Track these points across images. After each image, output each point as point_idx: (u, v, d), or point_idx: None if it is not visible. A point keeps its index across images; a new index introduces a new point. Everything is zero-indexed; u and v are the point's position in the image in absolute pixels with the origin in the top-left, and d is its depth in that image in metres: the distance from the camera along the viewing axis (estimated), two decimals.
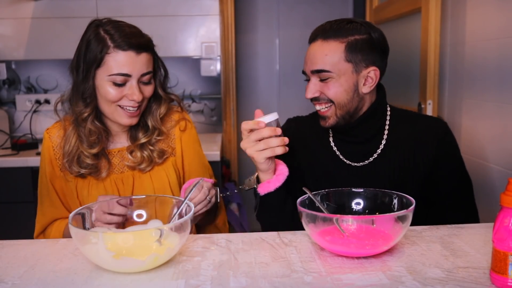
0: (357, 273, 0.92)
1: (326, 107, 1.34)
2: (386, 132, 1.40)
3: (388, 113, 1.42)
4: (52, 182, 1.39)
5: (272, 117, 1.18)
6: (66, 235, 1.36)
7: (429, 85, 2.34)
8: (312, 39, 1.34)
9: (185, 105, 3.07)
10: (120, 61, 1.27)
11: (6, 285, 0.90)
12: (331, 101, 1.32)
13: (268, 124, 1.18)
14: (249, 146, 1.19)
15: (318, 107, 1.36)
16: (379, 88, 1.40)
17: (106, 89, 1.29)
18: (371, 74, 1.33)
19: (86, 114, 1.33)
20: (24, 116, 2.99)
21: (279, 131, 1.18)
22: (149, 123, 1.40)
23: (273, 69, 4.04)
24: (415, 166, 1.37)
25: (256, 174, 1.30)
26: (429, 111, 2.35)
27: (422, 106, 2.37)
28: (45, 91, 3.01)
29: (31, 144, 2.72)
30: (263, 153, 1.18)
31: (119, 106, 1.31)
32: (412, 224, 1.05)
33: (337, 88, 1.31)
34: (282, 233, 1.15)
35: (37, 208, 1.43)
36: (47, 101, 3.00)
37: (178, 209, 1.06)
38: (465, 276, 0.90)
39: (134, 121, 1.35)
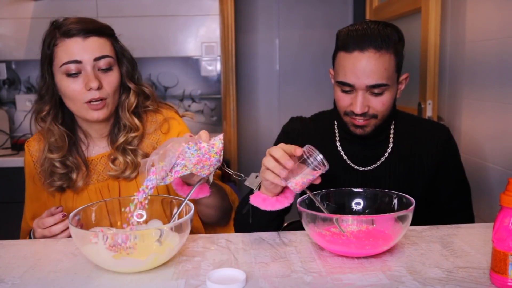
0: (357, 273, 0.92)
1: (367, 119, 1.30)
2: (391, 136, 1.40)
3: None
4: (34, 199, 1.36)
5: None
6: None
7: (429, 85, 2.34)
8: (357, 47, 1.24)
9: (185, 105, 3.09)
10: (68, 49, 1.24)
11: (6, 285, 0.90)
12: (374, 115, 1.29)
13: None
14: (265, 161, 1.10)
15: (361, 121, 1.29)
16: None
17: (63, 84, 1.25)
18: (404, 80, 1.34)
19: (44, 113, 1.29)
20: (24, 116, 2.98)
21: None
22: (125, 121, 1.32)
23: (273, 69, 4.04)
24: (419, 170, 1.38)
25: None
26: (429, 111, 2.35)
27: (422, 106, 2.36)
28: None
29: None
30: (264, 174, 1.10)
31: (85, 103, 1.25)
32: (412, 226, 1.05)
33: (389, 101, 1.29)
34: (282, 233, 1.15)
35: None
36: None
37: (178, 209, 1.06)
38: (465, 276, 0.90)
39: (101, 114, 1.27)
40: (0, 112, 2.85)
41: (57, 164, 1.30)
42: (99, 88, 1.24)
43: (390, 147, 1.39)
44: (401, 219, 0.99)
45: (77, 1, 2.95)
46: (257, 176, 1.16)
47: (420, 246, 1.05)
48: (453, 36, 2.25)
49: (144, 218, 1.12)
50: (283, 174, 1.04)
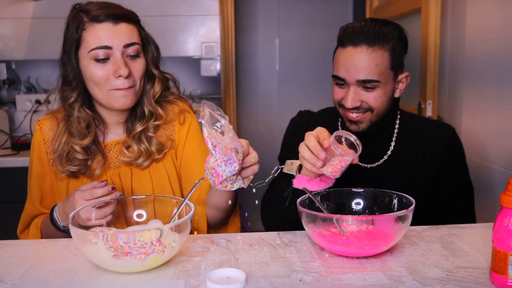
0: (357, 273, 0.92)
1: (361, 114, 1.31)
2: (395, 135, 1.40)
3: (398, 116, 1.42)
4: (40, 179, 1.33)
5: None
6: (44, 230, 1.30)
7: (429, 85, 2.34)
8: (351, 42, 1.26)
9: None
10: (97, 34, 1.22)
11: (6, 285, 0.90)
12: (369, 109, 1.30)
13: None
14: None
15: (354, 115, 1.31)
16: None
17: (90, 70, 1.23)
18: (404, 79, 1.34)
19: (72, 99, 1.28)
20: (24, 116, 2.99)
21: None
22: (145, 109, 1.32)
23: (273, 69, 4.04)
24: (423, 169, 1.38)
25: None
26: (429, 111, 2.35)
27: (422, 106, 2.36)
28: (45, 91, 3.00)
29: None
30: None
31: (112, 89, 1.24)
32: (414, 225, 1.04)
33: (382, 97, 1.29)
34: (282, 233, 1.15)
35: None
36: (47, 101, 3.00)
37: (178, 209, 1.06)
38: (465, 276, 0.90)
39: (128, 101, 1.26)
40: (0, 112, 2.85)
41: (79, 150, 1.27)
42: (128, 76, 1.24)
43: (392, 146, 1.39)
44: (401, 219, 0.99)
45: (77, 1, 2.95)
46: (292, 163, 1.21)
47: (420, 246, 1.05)
48: (453, 36, 2.25)
49: (144, 218, 1.13)
50: (318, 164, 1.10)
